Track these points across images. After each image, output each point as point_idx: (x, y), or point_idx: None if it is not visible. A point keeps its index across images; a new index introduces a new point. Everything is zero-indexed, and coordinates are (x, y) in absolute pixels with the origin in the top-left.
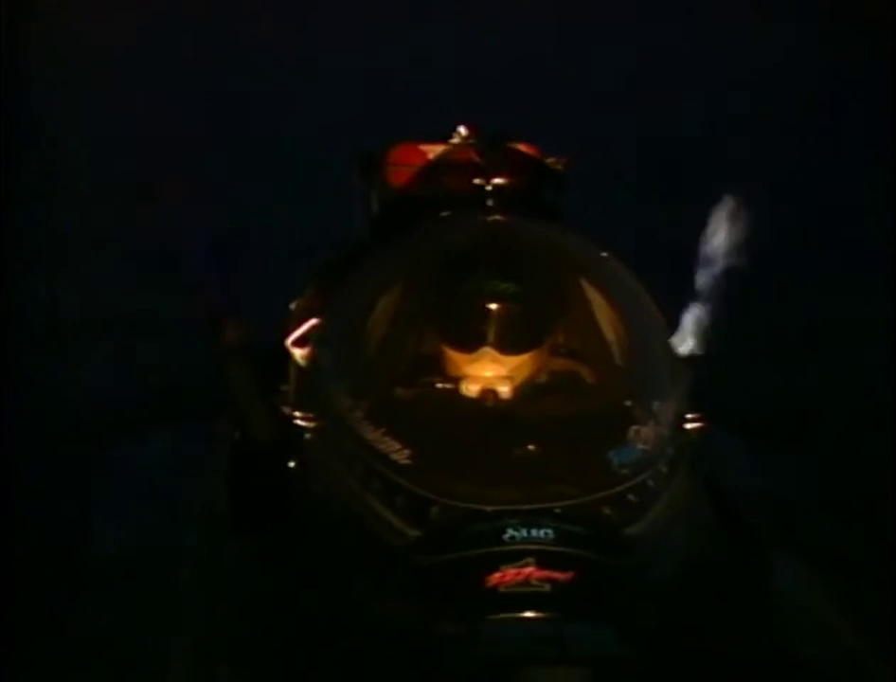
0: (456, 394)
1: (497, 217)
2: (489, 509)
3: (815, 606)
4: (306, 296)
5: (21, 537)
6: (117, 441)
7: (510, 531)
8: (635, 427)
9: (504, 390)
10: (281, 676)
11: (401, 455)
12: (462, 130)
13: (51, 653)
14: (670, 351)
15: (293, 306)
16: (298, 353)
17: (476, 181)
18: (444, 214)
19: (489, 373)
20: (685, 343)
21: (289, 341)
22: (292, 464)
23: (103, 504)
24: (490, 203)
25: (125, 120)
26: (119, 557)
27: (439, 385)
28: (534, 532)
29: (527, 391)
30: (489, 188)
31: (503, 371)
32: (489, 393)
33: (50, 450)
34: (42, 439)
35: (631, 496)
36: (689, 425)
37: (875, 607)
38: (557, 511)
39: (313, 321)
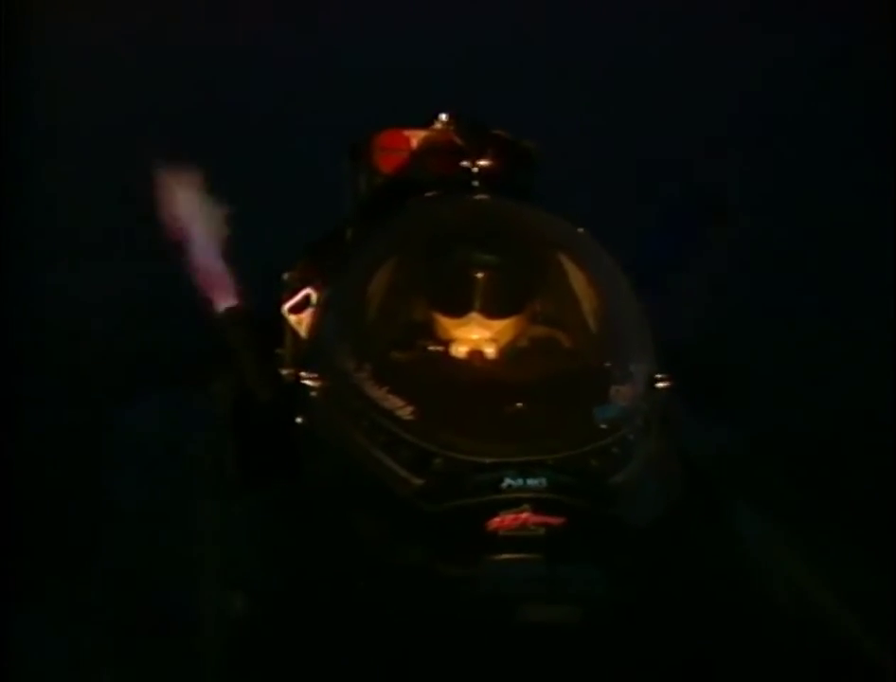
0: (447, 355)
1: (482, 196)
2: (487, 460)
3: (775, 553)
4: (298, 267)
5: (37, 493)
6: (119, 403)
7: (508, 480)
8: (615, 387)
9: (489, 352)
10: (293, 609)
11: (404, 411)
12: (443, 117)
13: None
14: (640, 318)
15: (286, 277)
16: (294, 319)
17: (464, 163)
18: (433, 194)
19: (475, 336)
20: None
21: (285, 308)
22: (299, 420)
23: (112, 464)
24: (475, 183)
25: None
26: (133, 509)
27: (431, 348)
28: (529, 481)
29: (510, 353)
30: (475, 170)
31: (488, 334)
32: (476, 354)
33: (58, 414)
34: (50, 405)
35: (614, 449)
36: (659, 384)
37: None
38: (549, 462)
39: (307, 290)
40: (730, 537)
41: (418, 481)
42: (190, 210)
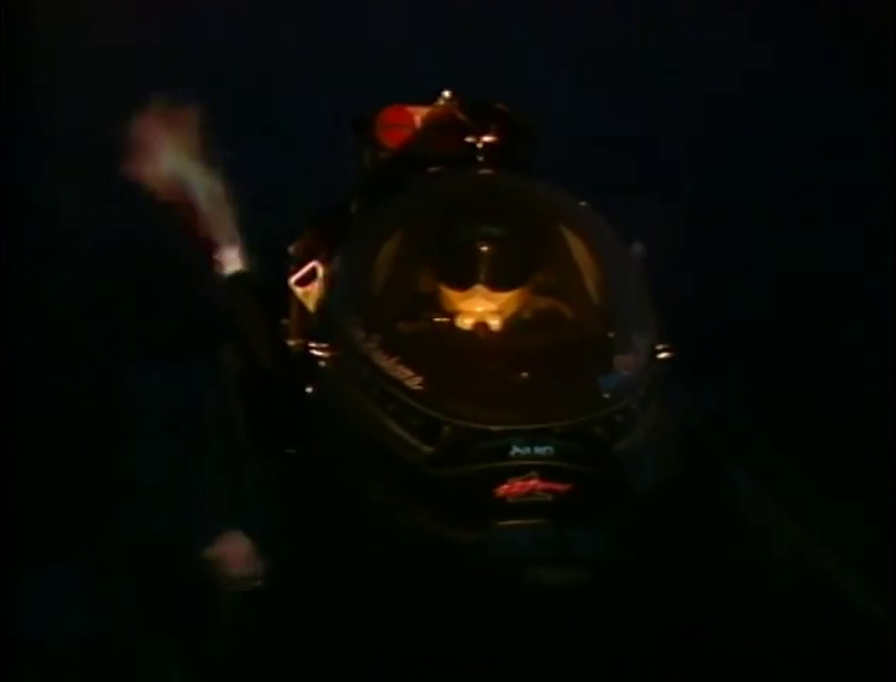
0: (454, 327)
1: (487, 171)
2: (495, 428)
3: (771, 515)
4: (303, 240)
5: (53, 456)
6: (128, 372)
7: (516, 448)
8: (618, 357)
9: (494, 323)
10: (306, 572)
11: (413, 381)
12: (446, 93)
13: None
14: (641, 289)
15: (291, 249)
16: (301, 291)
17: (468, 139)
18: (438, 169)
19: (480, 308)
20: None
21: (292, 280)
22: (309, 389)
23: (124, 427)
24: (479, 159)
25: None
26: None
27: (437, 320)
28: (537, 449)
29: (515, 324)
30: (479, 145)
31: (493, 306)
32: (481, 326)
33: (70, 382)
34: (60, 373)
35: (618, 417)
36: (660, 355)
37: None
38: (556, 430)
39: (313, 263)
40: (727, 499)
41: (427, 449)
42: (195, 177)
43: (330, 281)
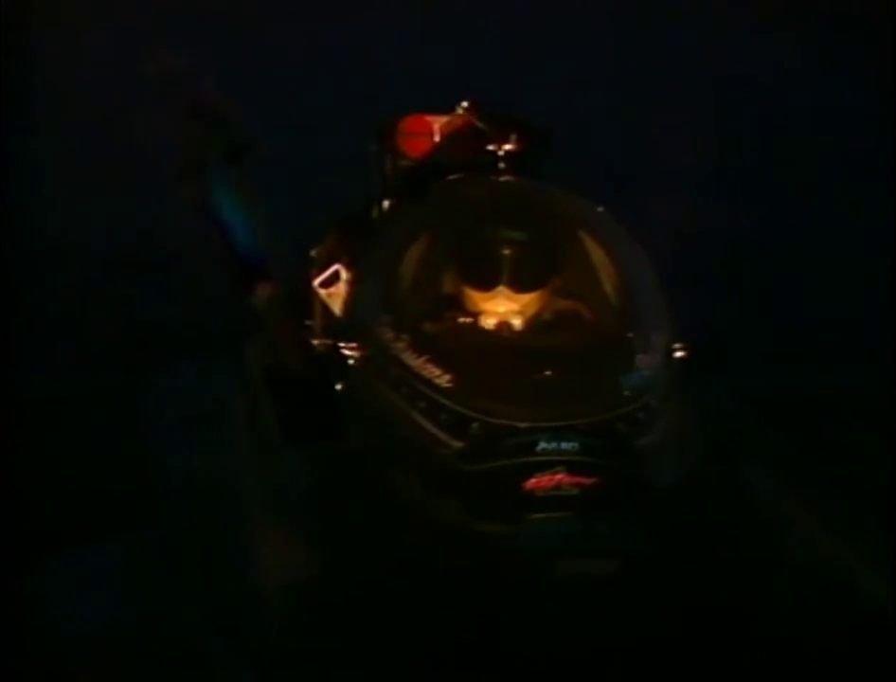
0: (478, 327)
1: (508, 177)
2: (522, 425)
3: (789, 512)
4: (326, 244)
5: (84, 451)
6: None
7: (542, 444)
8: (638, 356)
9: (516, 323)
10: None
11: (442, 379)
12: (464, 104)
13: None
14: (657, 290)
15: (314, 253)
16: (324, 293)
17: (489, 148)
18: (461, 176)
19: (502, 309)
20: None
21: (316, 282)
22: (338, 387)
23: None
24: (501, 166)
25: None
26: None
27: (461, 320)
28: (563, 445)
29: (537, 325)
30: (500, 153)
31: (515, 307)
32: (504, 326)
33: (95, 379)
34: (86, 369)
35: (639, 414)
36: (677, 353)
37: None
38: (581, 426)
39: (336, 266)
40: (744, 493)
41: (457, 444)
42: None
43: (357, 284)
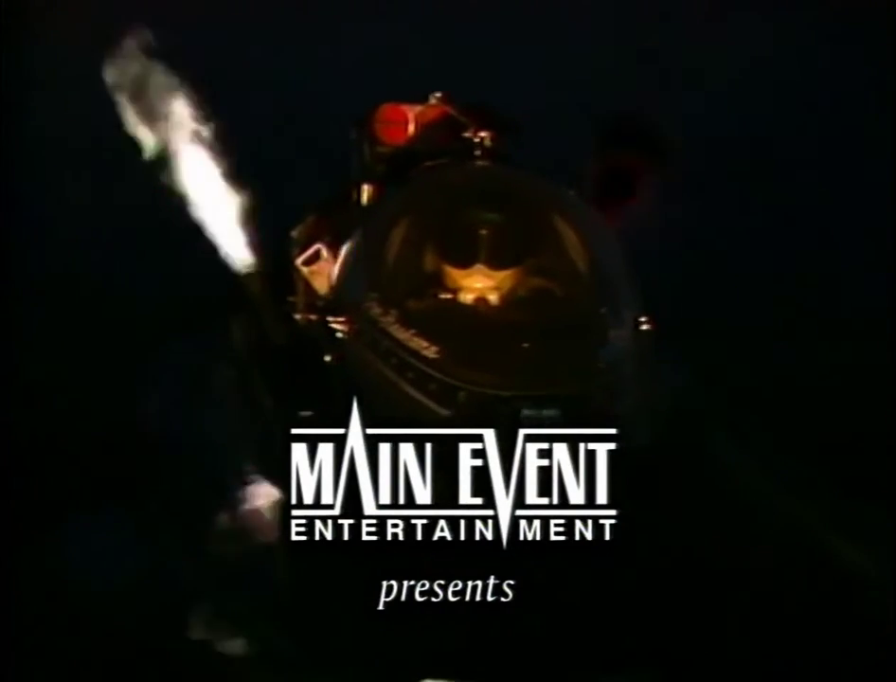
0: (457, 303)
1: (484, 163)
2: (506, 394)
3: (753, 477)
4: (307, 225)
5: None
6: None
7: (525, 411)
8: (612, 330)
9: (493, 298)
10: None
11: (429, 351)
12: (437, 95)
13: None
14: (625, 267)
15: (294, 234)
16: (307, 270)
17: (466, 135)
18: (440, 162)
19: (479, 285)
20: None
21: (298, 261)
22: (327, 358)
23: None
24: (477, 152)
25: None
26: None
27: (441, 296)
28: (545, 412)
29: (514, 301)
30: (476, 140)
31: (491, 283)
32: (482, 301)
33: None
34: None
35: (615, 383)
36: (643, 327)
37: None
38: (561, 395)
39: (317, 245)
40: (711, 462)
41: (445, 412)
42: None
43: (344, 263)
